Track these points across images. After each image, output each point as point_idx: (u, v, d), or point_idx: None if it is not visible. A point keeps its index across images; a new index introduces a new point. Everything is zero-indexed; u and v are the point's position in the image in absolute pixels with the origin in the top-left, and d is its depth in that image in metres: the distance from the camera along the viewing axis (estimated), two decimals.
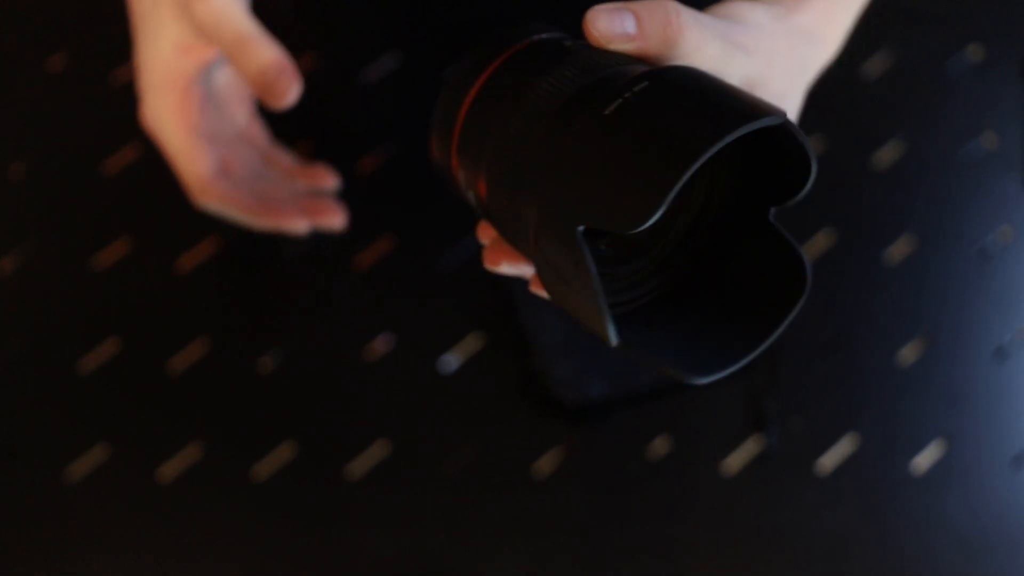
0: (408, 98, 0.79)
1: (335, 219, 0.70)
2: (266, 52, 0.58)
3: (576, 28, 0.43)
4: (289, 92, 0.58)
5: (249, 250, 0.75)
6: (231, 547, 0.70)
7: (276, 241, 0.75)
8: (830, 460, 0.70)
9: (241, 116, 0.70)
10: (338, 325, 0.74)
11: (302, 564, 0.69)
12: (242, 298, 0.75)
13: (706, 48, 0.43)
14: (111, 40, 0.78)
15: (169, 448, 0.71)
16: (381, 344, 0.73)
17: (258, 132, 0.72)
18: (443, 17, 0.81)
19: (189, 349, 0.74)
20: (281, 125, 0.79)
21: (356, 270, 0.75)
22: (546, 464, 0.70)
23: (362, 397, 0.72)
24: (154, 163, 0.78)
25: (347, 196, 0.75)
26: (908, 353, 0.72)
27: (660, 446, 0.71)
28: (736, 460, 0.70)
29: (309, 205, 0.70)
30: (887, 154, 0.77)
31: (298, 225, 0.69)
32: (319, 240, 0.74)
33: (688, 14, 0.43)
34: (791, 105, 0.50)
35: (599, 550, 0.69)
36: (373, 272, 0.74)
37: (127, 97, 0.79)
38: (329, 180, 0.72)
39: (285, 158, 0.73)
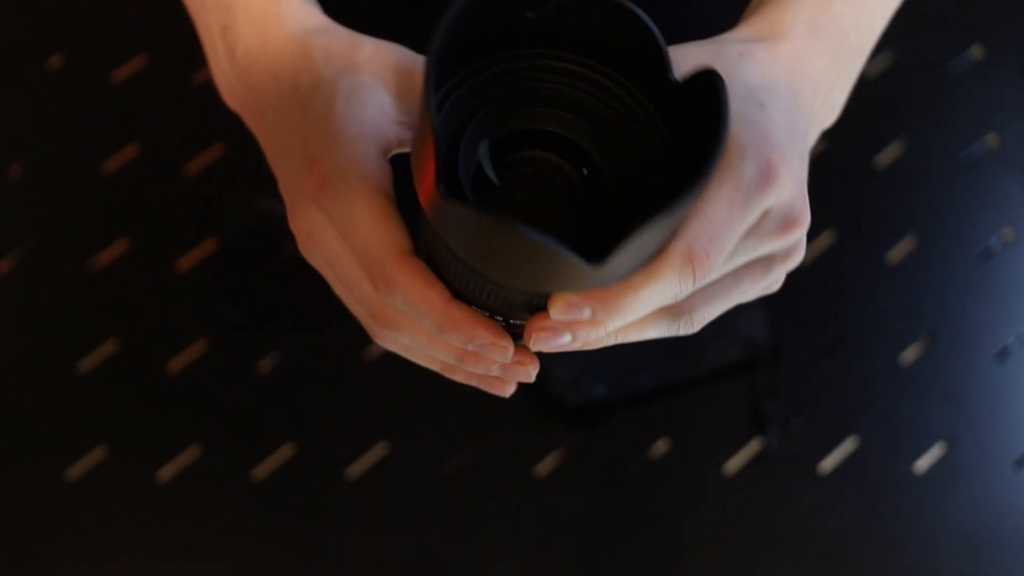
0: None
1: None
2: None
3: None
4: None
5: (249, 250, 0.75)
6: (231, 547, 0.70)
7: (276, 241, 0.75)
8: (831, 461, 0.70)
9: None
10: (338, 325, 0.74)
11: (302, 564, 0.69)
12: (242, 298, 0.75)
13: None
14: (110, 40, 0.78)
15: (168, 448, 0.71)
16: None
17: None
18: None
19: (189, 349, 0.73)
20: None
21: None
22: (546, 465, 0.70)
23: (362, 397, 0.72)
24: (153, 163, 0.78)
25: None
26: (910, 354, 0.72)
27: (660, 447, 0.70)
28: (737, 461, 0.70)
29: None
30: (888, 154, 0.76)
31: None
32: None
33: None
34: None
35: (599, 550, 0.69)
36: None
37: (126, 97, 0.79)
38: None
39: None
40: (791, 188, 0.39)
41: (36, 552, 0.70)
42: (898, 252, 0.74)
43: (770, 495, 0.69)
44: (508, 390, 0.42)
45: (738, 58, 0.41)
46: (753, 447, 0.70)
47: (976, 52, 0.79)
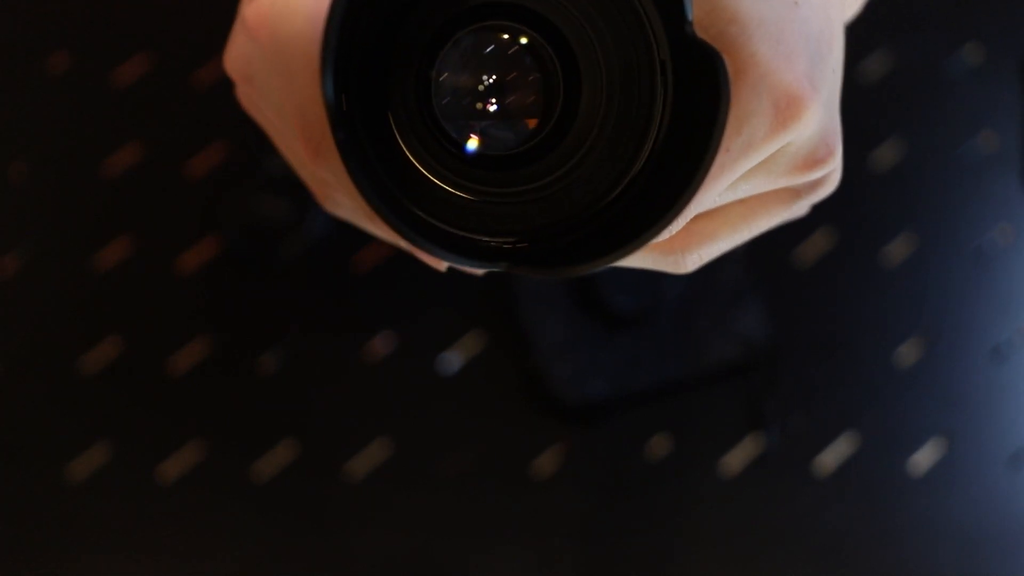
0: None
1: None
2: None
3: None
4: None
5: (250, 250, 0.75)
6: (231, 547, 0.70)
7: (277, 241, 0.75)
8: (829, 460, 0.70)
9: None
10: (338, 325, 0.74)
11: (302, 564, 0.69)
12: (242, 298, 0.75)
13: None
14: (112, 40, 0.78)
15: (169, 448, 0.71)
16: (381, 344, 0.73)
17: None
18: None
19: (189, 349, 0.74)
20: None
21: (356, 270, 0.75)
22: (546, 464, 0.70)
23: (362, 397, 0.72)
24: (154, 163, 0.78)
25: None
26: (907, 353, 0.72)
27: (660, 446, 0.71)
28: (735, 460, 0.70)
29: None
30: (886, 154, 0.77)
31: None
32: (318, 240, 0.74)
33: None
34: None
35: (599, 550, 0.69)
36: (373, 272, 0.74)
37: (128, 97, 0.79)
38: None
39: None
40: (817, 121, 0.31)
41: (36, 552, 0.70)
42: (895, 252, 0.74)
43: (769, 494, 0.70)
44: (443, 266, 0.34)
45: None
46: (752, 447, 0.70)
47: (973, 51, 0.79)
